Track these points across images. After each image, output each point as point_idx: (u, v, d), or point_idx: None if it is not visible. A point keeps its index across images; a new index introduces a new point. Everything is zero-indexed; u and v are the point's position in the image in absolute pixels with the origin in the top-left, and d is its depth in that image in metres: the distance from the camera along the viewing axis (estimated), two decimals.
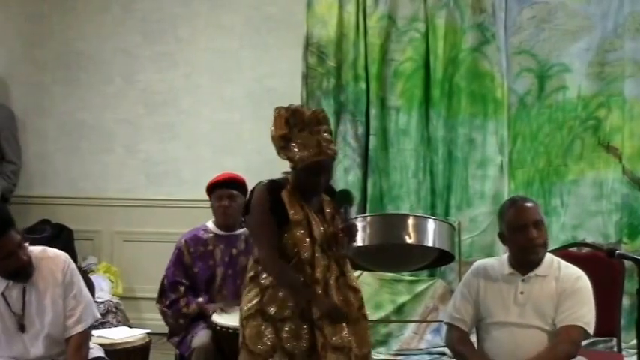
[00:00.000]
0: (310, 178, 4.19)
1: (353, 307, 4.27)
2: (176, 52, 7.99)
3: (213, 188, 5.58)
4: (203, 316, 5.40)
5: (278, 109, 4.21)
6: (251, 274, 4.31)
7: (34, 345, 4.40)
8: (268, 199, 4.21)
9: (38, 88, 8.25)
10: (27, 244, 4.39)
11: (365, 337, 4.31)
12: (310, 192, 4.26)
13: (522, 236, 4.40)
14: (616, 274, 5.12)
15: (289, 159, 4.20)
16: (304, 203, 4.24)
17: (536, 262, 4.44)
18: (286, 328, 4.15)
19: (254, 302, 4.23)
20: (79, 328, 4.43)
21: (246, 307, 4.25)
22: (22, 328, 4.38)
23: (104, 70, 8.12)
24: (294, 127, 4.17)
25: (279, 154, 4.24)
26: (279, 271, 4.20)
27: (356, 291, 4.31)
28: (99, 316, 4.76)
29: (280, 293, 4.18)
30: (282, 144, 4.19)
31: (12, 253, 4.27)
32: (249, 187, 5.50)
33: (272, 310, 4.18)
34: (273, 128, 4.21)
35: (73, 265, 4.57)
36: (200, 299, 5.48)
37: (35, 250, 4.48)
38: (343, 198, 4.23)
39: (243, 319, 4.26)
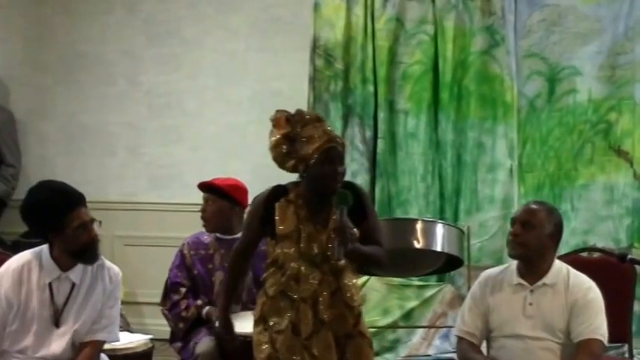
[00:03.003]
0: (327, 168, 4.05)
1: (347, 324, 4.15)
2: (181, 54, 7.94)
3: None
4: (203, 321, 5.37)
5: (274, 115, 4.16)
6: (263, 278, 4.28)
7: (57, 342, 4.36)
8: (264, 206, 4.16)
9: (40, 90, 8.20)
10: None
11: (362, 356, 4.20)
12: (329, 186, 4.09)
13: (510, 230, 4.44)
14: (627, 279, 5.11)
15: (300, 159, 4.08)
16: (306, 212, 4.12)
17: (537, 268, 4.41)
18: (281, 341, 4.09)
19: (259, 308, 4.20)
20: (97, 337, 4.42)
21: (255, 312, 4.25)
22: (57, 323, 4.34)
23: (107, 71, 8.07)
24: (296, 125, 4.09)
25: (284, 164, 4.14)
26: (228, 280, 4.48)
27: (351, 307, 4.17)
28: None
29: (281, 304, 4.12)
30: (286, 147, 4.10)
31: (85, 224, 4.27)
32: (248, 190, 5.55)
33: (271, 321, 4.13)
34: (273, 136, 4.14)
35: (121, 281, 4.58)
36: (199, 302, 5.43)
37: None
38: (339, 199, 4.08)
39: (253, 323, 4.24)
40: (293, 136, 4.09)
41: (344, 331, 4.14)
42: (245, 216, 4.39)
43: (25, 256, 4.42)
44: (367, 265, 4.34)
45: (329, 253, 4.07)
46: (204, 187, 5.54)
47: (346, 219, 3.99)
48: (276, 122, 4.13)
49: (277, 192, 4.17)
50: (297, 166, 4.11)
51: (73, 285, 4.37)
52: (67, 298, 4.35)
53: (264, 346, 4.12)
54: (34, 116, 8.20)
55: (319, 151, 4.03)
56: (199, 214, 5.55)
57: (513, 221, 4.44)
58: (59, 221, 4.22)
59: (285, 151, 4.10)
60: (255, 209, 4.21)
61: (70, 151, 8.16)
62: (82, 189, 7.80)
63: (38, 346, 4.33)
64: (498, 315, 4.42)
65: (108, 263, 4.53)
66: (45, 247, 4.38)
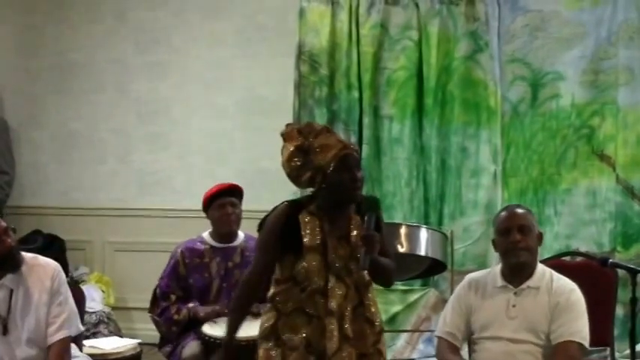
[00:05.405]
0: (346, 174, 3.93)
1: (367, 341, 4.05)
2: (168, 62, 7.99)
3: (213, 199, 5.42)
4: (194, 323, 5.32)
5: (285, 127, 4.06)
6: (270, 293, 4.11)
7: (18, 347, 4.39)
8: (284, 221, 4.00)
9: (31, 98, 8.26)
10: (12, 232, 4.40)
11: None
12: (349, 193, 3.97)
13: (505, 239, 4.36)
14: (610, 283, 5.04)
15: (317, 169, 3.96)
16: (328, 225, 3.99)
17: (526, 271, 4.38)
18: (293, 358, 3.98)
19: (270, 323, 4.06)
20: (60, 335, 4.43)
21: (262, 327, 4.10)
22: (4, 330, 4.37)
23: (97, 79, 8.12)
24: (308, 136, 3.98)
25: (299, 178, 4.01)
26: (236, 306, 4.17)
27: (372, 324, 4.07)
28: (82, 329, 4.73)
29: (297, 320, 4.00)
30: (299, 159, 3.98)
31: None
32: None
33: (285, 336, 4.01)
34: (285, 150, 4.02)
35: (63, 274, 4.56)
36: (191, 304, 5.40)
37: (27, 256, 4.48)
38: (369, 205, 3.99)
39: (259, 338, 4.09)
40: (306, 147, 3.97)
41: (362, 349, 4.03)
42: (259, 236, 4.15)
43: None
44: (377, 279, 4.13)
45: (352, 267, 3.97)
46: (231, 191, 5.46)
47: (372, 226, 3.91)
48: (287, 135, 4.03)
49: (294, 207, 4.04)
50: (314, 178, 3.97)
51: (12, 291, 4.39)
52: (9, 305, 4.38)
53: None
54: (26, 124, 8.26)
55: (336, 159, 3.93)
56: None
57: (507, 230, 4.35)
58: None
59: (299, 164, 3.97)
60: (273, 228, 4.02)
61: (62, 158, 8.22)
62: (73, 195, 8.06)
63: (5, 357, 4.37)
64: (481, 316, 4.41)
65: (43, 260, 4.52)
66: None
